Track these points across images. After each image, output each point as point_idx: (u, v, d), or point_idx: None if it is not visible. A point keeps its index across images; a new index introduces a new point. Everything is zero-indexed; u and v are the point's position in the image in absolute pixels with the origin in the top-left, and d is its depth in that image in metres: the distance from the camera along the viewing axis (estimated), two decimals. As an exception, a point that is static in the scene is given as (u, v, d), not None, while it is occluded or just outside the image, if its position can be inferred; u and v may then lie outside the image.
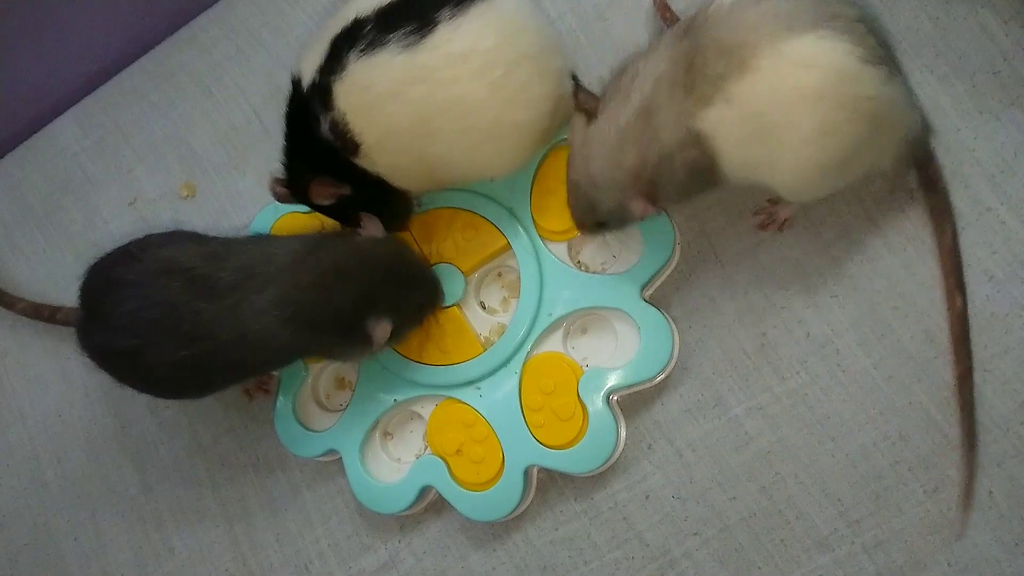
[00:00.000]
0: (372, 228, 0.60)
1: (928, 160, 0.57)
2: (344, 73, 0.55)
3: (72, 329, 0.61)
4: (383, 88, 0.54)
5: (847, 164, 0.52)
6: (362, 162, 0.57)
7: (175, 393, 0.64)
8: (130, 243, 0.60)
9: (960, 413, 0.55)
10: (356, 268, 0.58)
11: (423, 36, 0.53)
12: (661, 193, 0.53)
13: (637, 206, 0.53)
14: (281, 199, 0.61)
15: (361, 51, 0.54)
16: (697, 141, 0.51)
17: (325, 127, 0.56)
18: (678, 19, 0.63)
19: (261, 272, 0.57)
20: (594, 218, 0.56)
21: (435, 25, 0.53)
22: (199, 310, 0.55)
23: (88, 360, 0.60)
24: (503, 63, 0.54)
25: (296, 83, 0.58)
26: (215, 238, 0.60)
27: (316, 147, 0.57)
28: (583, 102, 0.56)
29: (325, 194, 0.58)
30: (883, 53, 0.50)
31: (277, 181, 0.60)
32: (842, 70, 0.48)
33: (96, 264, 0.60)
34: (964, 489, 0.54)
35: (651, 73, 0.51)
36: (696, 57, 0.50)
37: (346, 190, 0.58)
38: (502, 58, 0.54)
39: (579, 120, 0.55)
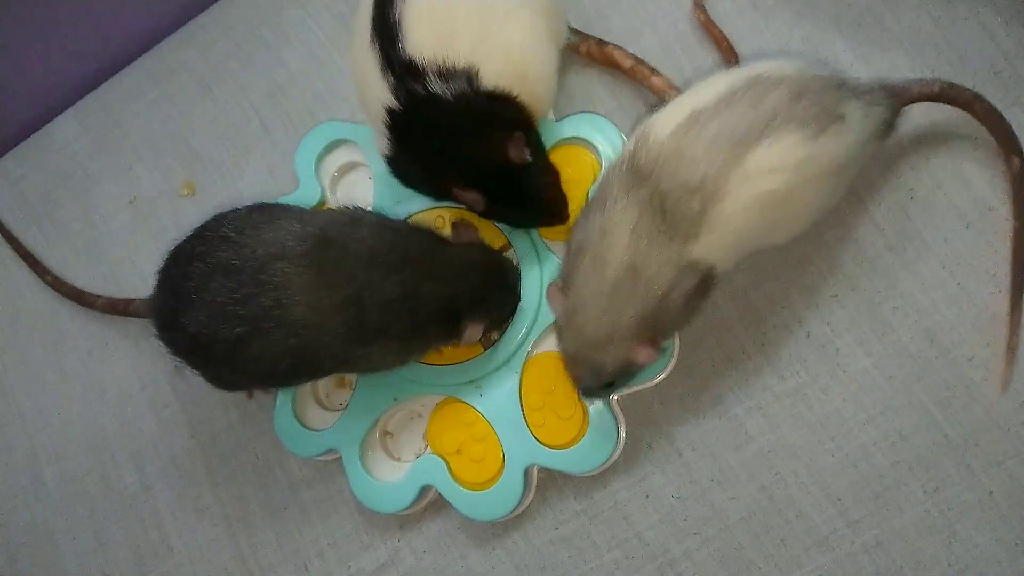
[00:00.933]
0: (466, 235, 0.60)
1: (972, 100, 0.56)
2: (404, 32, 0.55)
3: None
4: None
5: (831, 201, 0.55)
6: (486, 80, 0.56)
7: (262, 383, 0.61)
8: (219, 224, 0.57)
9: (1012, 261, 0.56)
10: (481, 267, 0.58)
11: None
12: (666, 330, 0.53)
13: (643, 354, 0.51)
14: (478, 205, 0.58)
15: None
16: (692, 268, 0.51)
17: (440, 86, 0.55)
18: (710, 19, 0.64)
19: (386, 261, 0.55)
20: (601, 381, 0.54)
21: None
22: (319, 297, 0.54)
23: (166, 347, 0.59)
24: None
25: (394, 115, 0.57)
26: (313, 214, 0.58)
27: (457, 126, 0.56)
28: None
29: (521, 150, 0.56)
30: (831, 101, 0.51)
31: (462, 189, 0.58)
32: (803, 158, 0.50)
33: (184, 248, 0.57)
34: (1008, 341, 0.55)
35: (622, 228, 0.50)
36: (665, 201, 0.49)
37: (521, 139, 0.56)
38: None
39: (555, 295, 0.53)
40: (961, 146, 0.59)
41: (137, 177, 0.77)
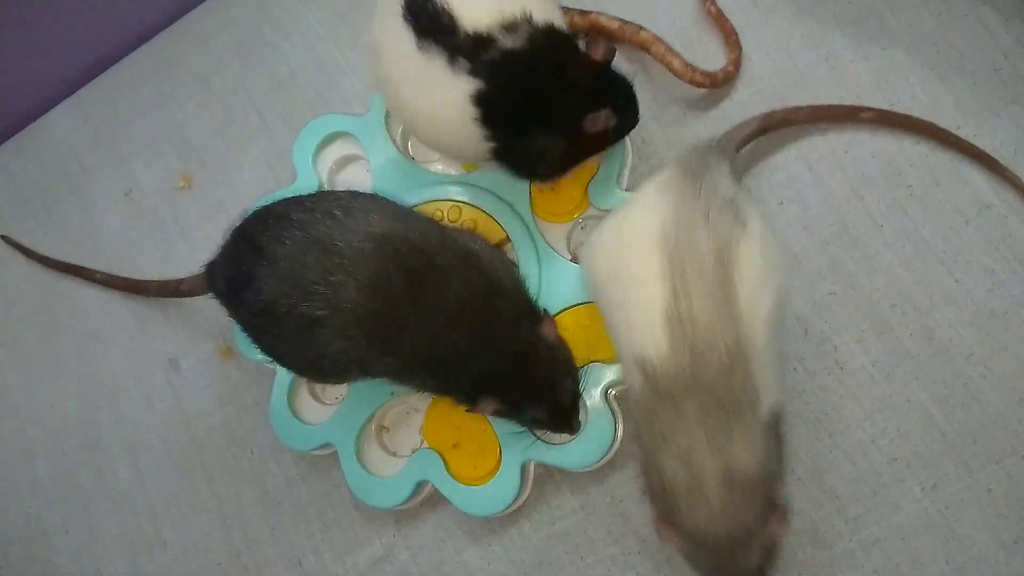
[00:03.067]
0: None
1: (788, 115, 0.61)
2: (454, 14, 0.53)
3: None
4: None
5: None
6: (537, 17, 0.54)
7: (312, 368, 0.59)
8: (325, 200, 0.55)
9: None
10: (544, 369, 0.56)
11: None
12: (777, 490, 0.50)
13: (780, 527, 0.49)
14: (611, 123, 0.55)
15: None
16: (769, 425, 0.49)
17: (511, 40, 0.53)
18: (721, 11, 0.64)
19: (468, 312, 0.54)
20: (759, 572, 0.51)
21: None
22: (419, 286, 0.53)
23: (227, 303, 0.57)
24: None
25: (483, 99, 0.54)
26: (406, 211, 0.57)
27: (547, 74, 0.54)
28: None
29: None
30: (713, 188, 0.50)
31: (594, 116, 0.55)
32: (760, 251, 0.49)
33: (276, 210, 0.55)
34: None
35: (698, 444, 0.48)
36: (715, 395, 0.47)
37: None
38: None
39: (667, 531, 0.50)
40: (960, 143, 0.59)
41: (134, 170, 0.77)
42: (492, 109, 0.54)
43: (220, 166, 0.75)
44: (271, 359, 0.59)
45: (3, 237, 0.78)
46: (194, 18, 0.79)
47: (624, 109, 0.57)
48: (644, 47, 0.64)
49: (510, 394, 0.55)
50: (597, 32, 0.66)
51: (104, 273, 0.74)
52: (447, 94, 0.54)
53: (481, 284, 0.55)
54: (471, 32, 0.53)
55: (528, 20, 0.53)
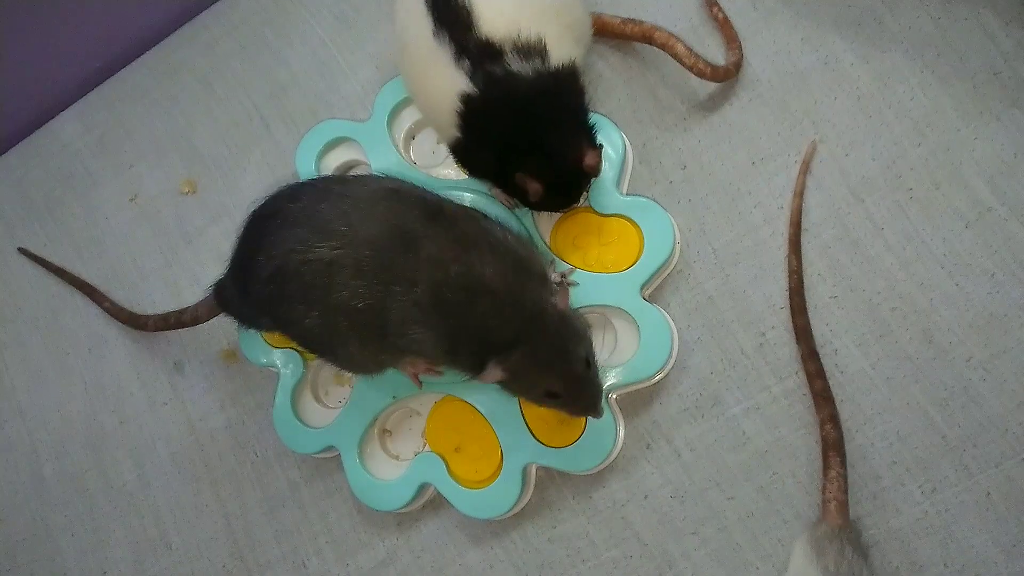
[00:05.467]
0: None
1: None
2: (476, 15, 0.55)
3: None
4: None
5: None
6: (556, 54, 0.56)
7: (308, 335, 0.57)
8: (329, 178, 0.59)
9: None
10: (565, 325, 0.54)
11: None
12: None
13: None
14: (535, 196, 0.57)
15: None
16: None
17: (518, 64, 0.55)
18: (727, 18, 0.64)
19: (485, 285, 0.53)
20: None
21: None
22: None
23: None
24: None
25: (469, 101, 0.56)
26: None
27: (540, 106, 0.56)
28: None
29: (598, 160, 0.57)
30: None
31: (525, 179, 0.57)
32: None
33: (278, 196, 0.57)
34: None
35: None
36: None
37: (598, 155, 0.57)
38: None
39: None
40: (959, 146, 0.59)
41: (139, 175, 0.78)
42: (472, 115, 0.56)
43: (224, 171, 0.75)
44: (288, 333, 0.58)
45: (21, 250, 0.78)
46: (198, 24, 0.80)
47: (554, 192, 0.58)
48: (647, 38, 0.64)
49: (517, 362, 0.53)
50: (600, 28, 0.66)
51: (112, 303, 0.74)
52: (443, 82, 0.57)
53: (486, 235, 0.55)
54: (484, 38, 0.55)
55: (543, 52, 0.56)
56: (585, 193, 0.61)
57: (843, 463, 0.56)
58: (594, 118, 0.60)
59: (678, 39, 0.63)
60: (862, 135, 0.61)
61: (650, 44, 0.65)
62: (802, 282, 0.59)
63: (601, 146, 0.58)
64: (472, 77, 0.55)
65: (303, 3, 0.77)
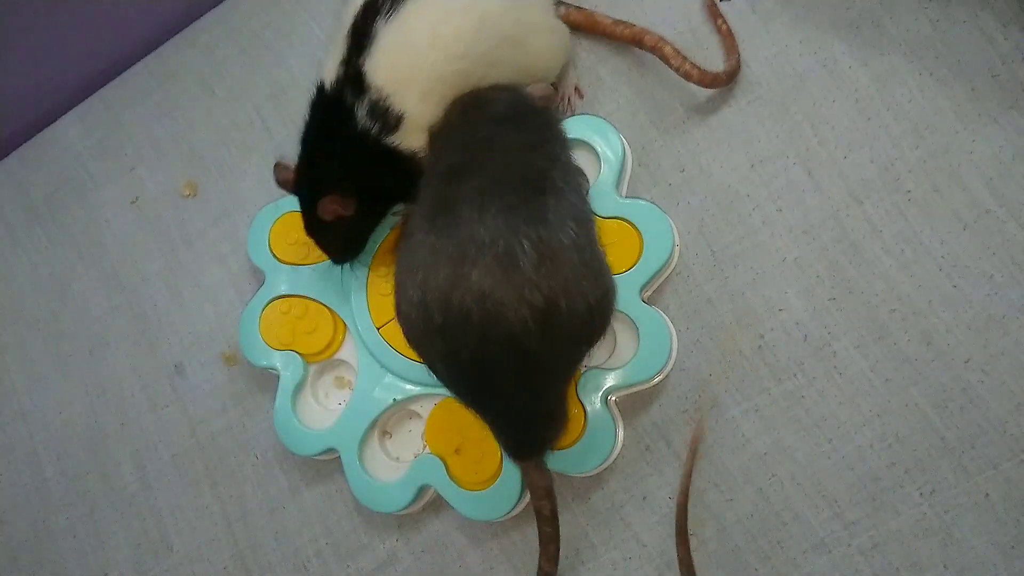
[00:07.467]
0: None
1: None
2: (374, 47, 0.56)
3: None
4: (420, 37, 0.56)
5: None
6: (402, 138, 0.58)
7: None
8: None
9: None
10: None
11: None
12: None
13: None
14: (285, 185, 0.61)
15: (386, 17, 0.56)
16: None
17: (362, 113, 0.57)
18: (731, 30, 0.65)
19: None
20: None
21: None
22: None
23: None
24: None
25: (320, 89, 0.59)
26: None
27: (344, 147, 0.58)
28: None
29: (334, 210, 0.58)
30: None
31: (282, 167, 0.61)
32: None
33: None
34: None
35: None
36: None
37: (351, 210, 0.58)
38: None
39: None
40: (958, 148, 0.60)
41: (139, 178, 0.78)
42: (315, 101, 0.60)
43: (225, 173, 0.75)
44: None
45: None
46: (198, 27, 0.80)
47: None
48: (637, 40, 0.65)
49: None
50: (591, 27, 0.67)
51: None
52: (332, 56, 0.59)
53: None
54: (361, 69, 0.57)
55: (393, 126, 0.57)
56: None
57: None
58: (595, 121, 0.61)
59: (667, 42, 0.63)
60: (860, 137, 0.61)
61: (639, 47, 0.65)
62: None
63: (356, 200, 0.59)
64: (336, 80, 0.58)
65: (303, 5, 0.77)
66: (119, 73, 0.81)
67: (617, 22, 0.66)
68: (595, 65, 0.68)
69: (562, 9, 0.67)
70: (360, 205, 0.59)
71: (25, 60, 0.78)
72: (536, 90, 0.59)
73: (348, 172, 0.59)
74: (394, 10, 0.56)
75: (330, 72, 0.58)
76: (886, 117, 0.61)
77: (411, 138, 0.58)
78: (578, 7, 0.67)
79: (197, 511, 0.70)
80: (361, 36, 0.57)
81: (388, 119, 0.57)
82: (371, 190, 0.60)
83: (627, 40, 0.66)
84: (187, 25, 0.80)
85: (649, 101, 0.66)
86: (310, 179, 0.60)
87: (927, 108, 0.61)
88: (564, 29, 0.65)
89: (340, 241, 0.62)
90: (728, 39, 0.65)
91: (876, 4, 0.63)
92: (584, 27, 0.67)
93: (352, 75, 0.57)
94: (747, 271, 0.62)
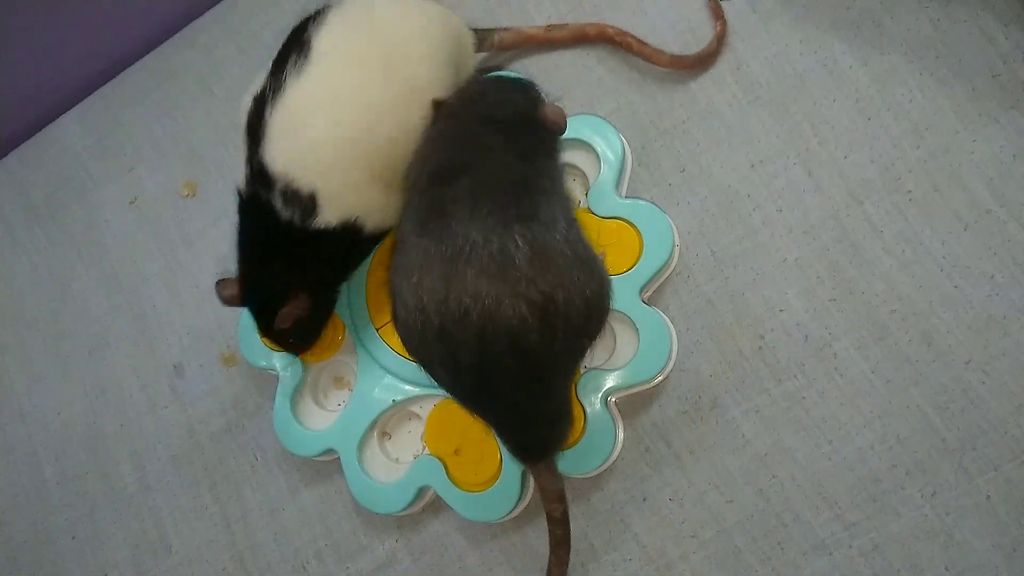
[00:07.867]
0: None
1: None
2: (266, 137, 0.56)
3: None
4: (304, 113, 0.56)
5: None
6: (325, 217, 0.57)
7: None
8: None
9: None
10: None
11: (305, 55, 0.57)
12: None
13: None
14: (231, 302, 0.61)
15: (272, 108, 0.56)
16: None
17: (279, 204, 0.57)
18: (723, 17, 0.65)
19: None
20: None
21: (309, 41, 0.57)
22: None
23: None
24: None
25: (239, 194, 0.59)
26: None
27: (279, 244, 0.58)
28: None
29: (294, 314, 0.58)
30: None
31: (225, 283, 0.60)
32: None
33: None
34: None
35: None
36: None
37: (306, 307, 0.59)
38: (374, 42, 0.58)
39: None
40: (958, 148, 0.59)
41: (139, 178, 0.78)
42: (241, 205, 0.60)
43: (224, 173, 0.75)
44: None
45: None
46: (197, 27, 0.80)
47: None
48: (580, 38, 0.66)
49: None
50: (527, 41, 0.67)
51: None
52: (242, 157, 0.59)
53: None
54: (263, 162, 0.57)
55: (309, 207, 0.57)
56: (583, 197, 0.62)
57: None
58: (595, 121, 0.60)
59: (627, 33, 0.65)
60: (861, 137, 0.61)
61: (587, 41, 0.67)
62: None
63: (308, 294, 0.59)
64: (247, 179, 0.58)
65: (301, 6, 0.77)
66: (118, 73, 0.81)
67: (551, 27, 0.66)
68: (595, 66, 0.68)
69: (496, 36, 0.67)
70: (313, 297, 0.59)
71: (25, 60, 0.78)
72: (550, 110, 0.57)
73: (291, 270, 0.58)
74: (278, 96, 0.56)
75: (241, 175, 0.59)
76: (886, 117, 0.61)
77: (333, 212, 0.57)
78: (505, 28, 0.67)
79: (196, 512, 0.70)
80: (255, 130, 0.57)
81: (302, 200, 0.56)
82: (319, 278, 0.60)
83: (568, 41, 0.67)
84: (186, 25, 0.80)
85: (649, 101, 0.66)
86: (257, 289, 0.60)
87: (927, 108, 0.61)
88: (455, 36, 0.63)
89: (302, 335, 0.62)
90: (719, 43, 0.65)
91: (876, 4, 0.63)
92: (520, 45, 0.68)
93: (257, 170, 0.57)
94: (747, 271, 0.62)
